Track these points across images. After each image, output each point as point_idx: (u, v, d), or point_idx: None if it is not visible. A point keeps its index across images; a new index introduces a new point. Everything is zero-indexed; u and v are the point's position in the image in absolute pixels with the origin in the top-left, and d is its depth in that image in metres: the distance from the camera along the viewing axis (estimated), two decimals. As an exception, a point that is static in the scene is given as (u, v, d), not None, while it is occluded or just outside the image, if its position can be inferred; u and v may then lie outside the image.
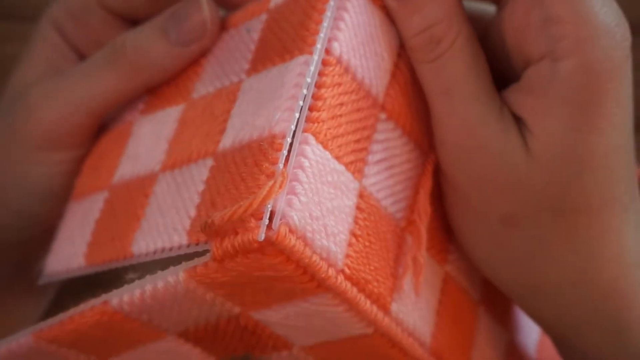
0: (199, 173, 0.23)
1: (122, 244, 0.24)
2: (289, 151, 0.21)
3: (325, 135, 0.22)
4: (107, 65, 0.28)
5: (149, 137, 0.26)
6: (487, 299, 0.30)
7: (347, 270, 0.22)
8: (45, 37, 0.30)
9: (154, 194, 0.24)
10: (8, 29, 0.41)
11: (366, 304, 0.23)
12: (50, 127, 0.28)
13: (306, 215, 0.20)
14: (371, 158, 0.24)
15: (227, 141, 0.23)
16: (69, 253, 0.27)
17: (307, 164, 0.21)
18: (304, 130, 0.21)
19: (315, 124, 0.21)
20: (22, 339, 0.24)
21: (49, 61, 0.30)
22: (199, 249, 0.22)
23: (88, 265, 0.25)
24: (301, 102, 0.21)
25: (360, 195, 0.23)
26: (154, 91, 0.28)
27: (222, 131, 0.23)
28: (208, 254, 0.21)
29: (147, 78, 0.27)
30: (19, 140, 0.29)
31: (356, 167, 0.23)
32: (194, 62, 0.27)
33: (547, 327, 0.28)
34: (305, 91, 0.21)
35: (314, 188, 0.21)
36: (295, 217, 0.20)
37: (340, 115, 0.22)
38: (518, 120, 0.24)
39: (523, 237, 0.25)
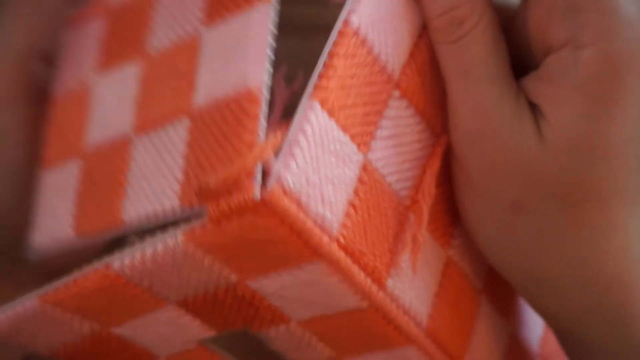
0: (177, 134, 0.24)
1: (111, 213, 0.25)
2: (292, 116, 0.21)
3: (333, 104, 0.22)
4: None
5: (112, 99, 0.27)
6: (490, 289, 0.30)
7: (342, 240, 0.22)
8: None
9: (133, 160, 0.25)
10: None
11: (360, 276, 0.23)
12: None
13: (302, 180, 0.21)
14: (380, 133, 0.24)
15: (200, 99, 0.23)
16: (54, 225, 0.27)
17: (309, 130, 0.21)
18: (311, 97, 0.22)
19: (323, 92, 0.22)
20: (28, 302, 0.25)
21: None
22: (193, 212, 0.22)
23: (78, 236, 0.26)
24: (269, 52, 0.22)
25: (364, 168, 0.23)
26: (103, 48, 0.28)
27: (192, 89, 0.24)
28: (205, 217, 0.21)
29: None
30: None
31: (362, 140, 0.23)
32: (141, 12, 0.27)
33: (550, 319, 0.28)
34: (270, 40, 0.22)
35: (314, 155, 0.21)
36: (290, 180, 0.21)
37: (351, 87, 0.23)
38: (534, 108, 0.25)
39: (529, 224, 0.25)
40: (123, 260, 0.23)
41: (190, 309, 0.25)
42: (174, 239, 0.22)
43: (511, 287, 0.31)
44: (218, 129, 0.22)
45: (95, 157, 0.27)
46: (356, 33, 0.23)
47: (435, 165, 0.26)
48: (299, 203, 0.21)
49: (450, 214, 0.27)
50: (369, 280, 0.23)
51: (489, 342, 0.29)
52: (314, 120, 0.21)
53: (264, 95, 0.21)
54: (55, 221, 0.27)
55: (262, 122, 0.21)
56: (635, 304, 0.26)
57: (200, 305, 0.25)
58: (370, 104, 0.24)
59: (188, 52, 0.25)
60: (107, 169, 0.26)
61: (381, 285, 0.24)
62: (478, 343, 0.29)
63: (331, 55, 0.22)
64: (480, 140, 0.25)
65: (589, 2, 0.23)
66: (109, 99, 0.27)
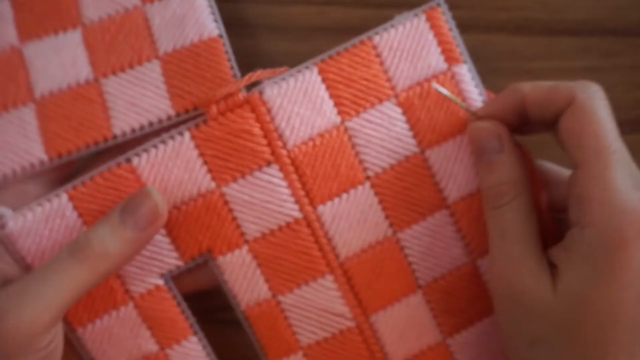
0: (151, 71, 0.34)
1: (99, 129, 0.34)
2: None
3: (329, 76, 0.34)
4: (75, 261, 0.31)
5: (54, 59, 0.35)
6: (434, 297, 0.36)
7: (293, 154, 0.34)
8: None
9: (108, 93, 0.34)
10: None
11: (299, 189, 0.34)
12: (25, 329, 0.30)
13: (277, 102, 0.34)
14: (364, 115, 0.34)
15: (166, 48, 0.34)
16: (17, 152, 0.34)
17: (300, 78, 0.34)
18: (316, 64, 0.34)
19: (327, 66, 0.34)
20: (55, 199, 0.34)
21: None
22: (186, 117, 0.34)
23: (55, 156, 0.34)
24: (213, 11, 0.34)
25: (337, 129, 0.34)
26: (21, 21, 0.35)
27: (154, 42, 0.34)
28: (206, 117, 0.33)
29: (111, 266, 0.31)
30: None
31: (346, 110, 0.34)
32: None
33: None
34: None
35: (296, 94, 0.34)
36: (267, 95, 0.34)
37: (352, 76, 0.34)
38: (555, 267, 0.31)
39: (544, 355, 0.31)
40: (141, 157, 0.34)
41: (170, 224, 0.34)
42: (181, 136, 0.34)
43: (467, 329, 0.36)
44: (194, 63, 0.34)
45: (52, 100, 0.35)
46: (375, 47, 0.34)
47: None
48: (269, 111, 0.34)
49: (416, 212, 0.35)
50: (305, 197, 0.34)
51: (407, 329, 0.36)
52: (308, 75, 0.34)
53: (226, 43, 0.34)
54: (18, 149, 0.34)
55: (231, 64, 0.34)
56: None
57: (180, 217, 0.34)
58: (364, 93, 0.34)
59: (137, 20, 0.35)
60: (74, 104, 0.34)
61: (313, 206, 0.34)
62: (394, 319, 0.36)
63: (344, 52, 0.34)
64: (507, 287, 0.31)
65: (594, 193, 0.29)
66: (51, 61, 0.35)
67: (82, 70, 0.35)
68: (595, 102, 0.30)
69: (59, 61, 0.35)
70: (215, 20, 0.35)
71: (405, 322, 0.36)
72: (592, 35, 0.40)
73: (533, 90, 0.32)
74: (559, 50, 0.40)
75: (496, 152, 0.33)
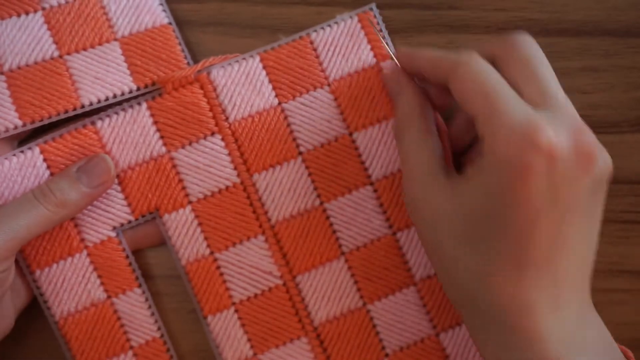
0: (112, 50, 0.39)
1: (69, 99, 0.38)
2: None
3: (269, 63, 0.39)
4: (40, 204, 0.36)
5: (21, 38, 0.39)
6: (358, 265, 0.40)
7: (234, 128, 0.39)
8: None
9: (74, 69, 0.39)
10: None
11: (238, 156, 0.39)
12: None
13: (222, 82, 0.39)
14: (300, 99, 0.39)
15: (123, 32, 0.39)
16: None
17: (244, 64, 0.39)
18: (258, 53, 0.40)
19: (268, 55, 0.40)
20: (29, 151, 0.39)
21: None
22: (146, 90, 0.39)
23: (28, 122, 0.38)
24: (162, 2, 0.40)
25: (274, 109, 0.39)
26: None
27: (112, 26, 0.39)
28: (162, 90, 0.39)
29: (67, 212, 0.37)
30: None
31: (283, 94, 0.39)
32: None
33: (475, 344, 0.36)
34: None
35: (238, 77, 0.39)
36: (214, 76, 0.39)
37: (289, 65, 0.40)
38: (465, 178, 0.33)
39: (446, 257, 0.34)
40: (104, 121, 0.39)
41: (124, 182, 0.39)
42: (139, 106, 0.39)
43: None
44: (151, 46, 0.39)
45: (20, 72, 0.39)
46: (312, 42, 0.41)
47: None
48: (215, 89, 0.39)
49: (342, 186, 0.40)
50: (243, 165, 0.39)
51: (329, 292, 0.40)
52: (250, 62, 0.40)
53: (176, 30, 0.40)
54: None
55: (180, 47, 0.39)
56: (516, 327, 0.32)
57: (134, 176, 0.39)
58: (300, 80, 0.39)
59: (95, 5, 0.39)
60: (43, 77, 0.38)
61: (250, 173, 0.39)
62: (318, 281, 0.40)
63: (284, 45, 0.40)
64: (411, 202, 0.36)
65: (486, 130, 0.32)
66: (14, 37, 0.39)
67: (48, 48, 0.39)
68: (473, 69, 0.33)
69: (25, 39, 0.39)
70: (164, 10, 0.40)
71: (327, 285, 0.40)
72: (591, 36, 0.41)
73: (426, 60, 0.36)
74: (558, 50, 0.41)
75: (397, 93, 0.38)
